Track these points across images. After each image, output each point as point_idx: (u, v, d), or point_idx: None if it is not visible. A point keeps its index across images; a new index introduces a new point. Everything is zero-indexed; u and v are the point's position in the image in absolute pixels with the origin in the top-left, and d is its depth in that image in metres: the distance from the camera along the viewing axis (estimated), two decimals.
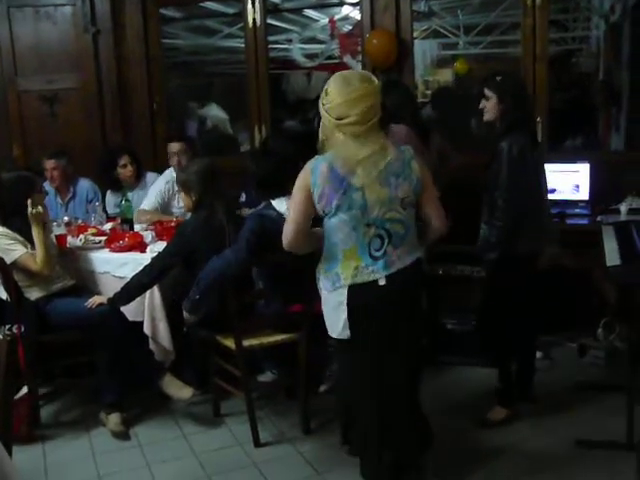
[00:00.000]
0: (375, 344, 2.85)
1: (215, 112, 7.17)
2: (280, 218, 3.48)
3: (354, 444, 3.21)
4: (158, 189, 4.91)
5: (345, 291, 2.78)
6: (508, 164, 3.39)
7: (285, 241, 2.83)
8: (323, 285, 2.88)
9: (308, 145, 3.12)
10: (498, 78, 3.52)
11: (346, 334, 2.83)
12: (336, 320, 2.84)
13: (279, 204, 3.55)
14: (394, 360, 2.88)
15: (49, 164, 5.00)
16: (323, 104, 2.76)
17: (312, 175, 2.73)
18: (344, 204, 2.72)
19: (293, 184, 2.89)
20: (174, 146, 4.89)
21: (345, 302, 2.78)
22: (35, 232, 3.77)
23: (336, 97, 2.71)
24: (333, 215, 2.76)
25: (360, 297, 2.79)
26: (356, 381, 2.96)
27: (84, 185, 5.17)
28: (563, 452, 3.40)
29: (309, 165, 2.77)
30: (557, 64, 5.92)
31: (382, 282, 2.78)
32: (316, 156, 2.79)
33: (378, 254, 2.77)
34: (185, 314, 3.63)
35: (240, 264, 3.50)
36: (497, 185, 3.42)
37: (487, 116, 3.54)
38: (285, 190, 3.48)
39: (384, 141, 2.79)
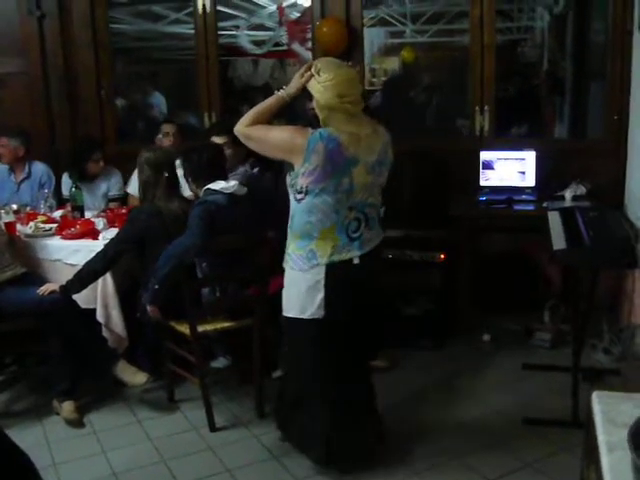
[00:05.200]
0: (345, 321, 2.93)
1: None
2: (226, 198, 3.50)
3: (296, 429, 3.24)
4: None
5: (323, 269, 2.83)
6: None
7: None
8: (295, 264, 2.89)
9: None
10: None
11: (320, 313, 2.87)
12: (310, 300, 2.86)
13: (216, 185, 3.56)
14: (359, 336, 2.99)
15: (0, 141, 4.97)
16: (318, 82, 2.77)
17: (307, 148, 2.73)
18: (330, 186, 2.76)
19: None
20: (167, 127, 5.01)
21: (323, 281, 2.83)
22: None
23: (334, 76, 2.75)
24: (316, 195, 2.78)
25: (338, 275, 2.84)
26: (318, 360, 3.00)
27: (40, 168, 5.10)
28: (511, 430, 3.50)
29: (308, 135, 2.76)
30: (502, 54, 6.04)
31: (356, 261, 2.86)
32: (314, 130, 2.78)
33: (355, 235, 2.86)
34: (148, 307, 3.59)
35: (196, 249, 3.49)
36: None
37: None
38: (219, 175, 3.57)
39: (375, 123, 2.91)
